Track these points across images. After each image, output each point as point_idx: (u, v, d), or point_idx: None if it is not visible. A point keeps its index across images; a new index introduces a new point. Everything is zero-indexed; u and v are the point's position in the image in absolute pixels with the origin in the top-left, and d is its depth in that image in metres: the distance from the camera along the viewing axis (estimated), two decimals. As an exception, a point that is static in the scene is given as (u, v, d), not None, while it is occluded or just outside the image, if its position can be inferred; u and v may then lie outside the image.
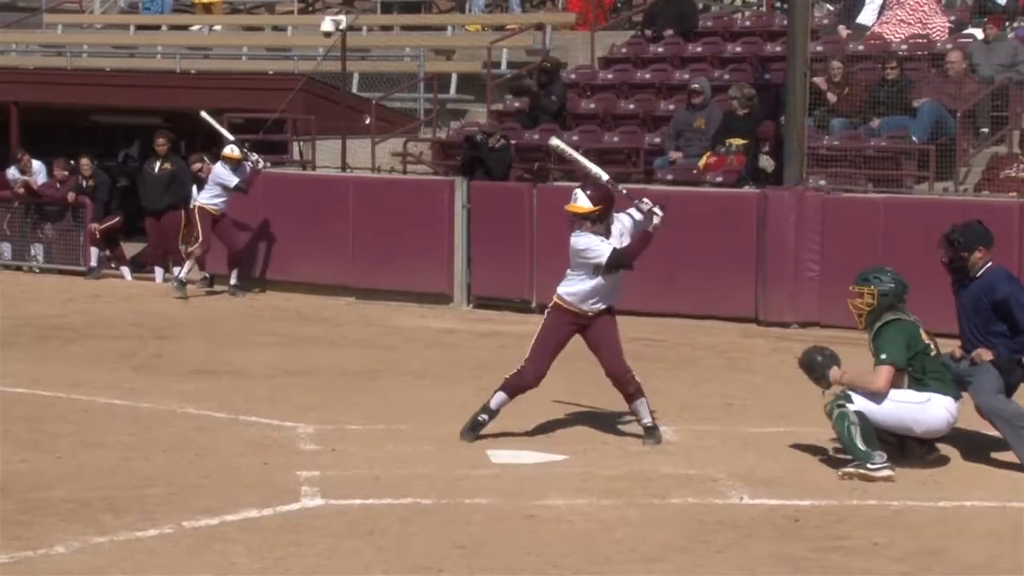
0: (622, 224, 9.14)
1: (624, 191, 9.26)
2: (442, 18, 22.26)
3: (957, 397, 8.61)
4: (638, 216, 9.15)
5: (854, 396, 8.49)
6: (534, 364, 9.20)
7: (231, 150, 16.06)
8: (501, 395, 9.25)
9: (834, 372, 8.61)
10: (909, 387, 8.54)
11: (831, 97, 15.41)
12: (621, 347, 9.28)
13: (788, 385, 10.55)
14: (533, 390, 9.33)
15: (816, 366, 8.69)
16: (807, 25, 14.81)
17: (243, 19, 24.20)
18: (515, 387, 9.25)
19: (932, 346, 8.61)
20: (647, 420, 9.27)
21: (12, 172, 18.64)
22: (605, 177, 9.20)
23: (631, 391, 9.25)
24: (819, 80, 15.21)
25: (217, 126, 16.45)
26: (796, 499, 8.01)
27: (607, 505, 7.87)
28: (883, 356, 8.48)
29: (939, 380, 8.56)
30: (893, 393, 8.50)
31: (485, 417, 9.27)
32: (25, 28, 24.12)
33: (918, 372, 8.53)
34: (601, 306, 9.18)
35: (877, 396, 8.43)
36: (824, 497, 8.07)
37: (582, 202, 8.99)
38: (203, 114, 16.51)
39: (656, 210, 9.04)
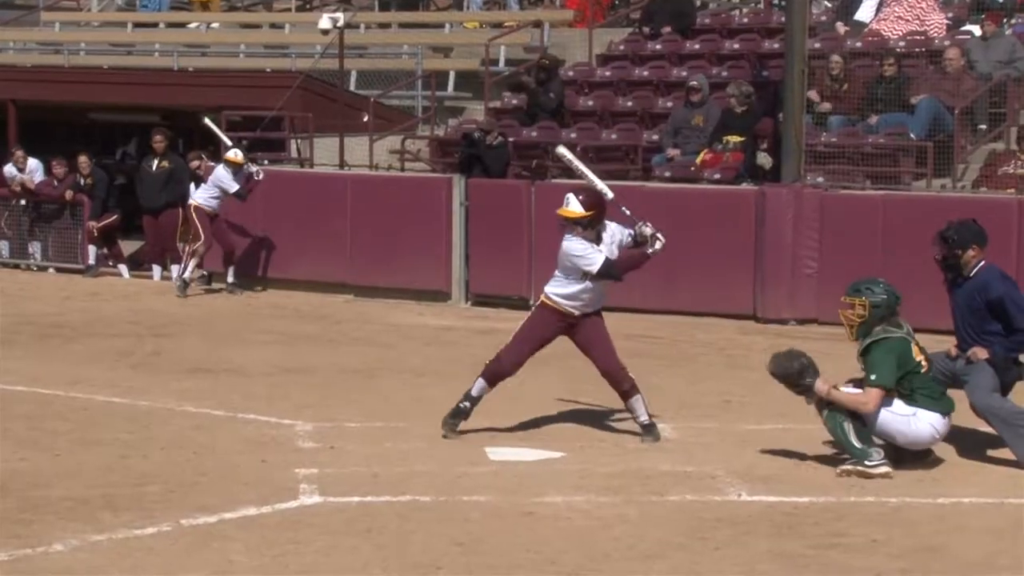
0: (612, 233, 9.12)
1: (627, 211, 9.21)
2: (440, 15, 22.24)
3: (945, 413, 8.53)
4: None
5: None
6: (511, 353, 9.23)
7: (235, 154, 16.04)
8: (481, 382, 9.28)
9: (820, 385, 8.43)
10: (897, 399, 8.48)
11: (825, 106, 15.34)
12: (612, 345, 9.27)
13: (786, 382, 10.54)
14: (533, 389, 9.34)
15: (796, 378, 8.48)
16: (805, 22, 14.81)
17: (241, 16, 24.18)
18: (493, 373, 9.26)
19: (922, 362, 8.51)
20: (644, 418, 9.27)
21: (9, 169, 18.63)
22: (611, 195, 9.13)
23: (626, 388, 9.24)
24: (812, 93, 15.10)
25: (219, 132, 16.41)
26: (794, 496, 8.01)
27: (605, 502, 7.87)
28: (873, 377, 8.41)
29: (928, 396, 8.48)
30: None
31: (467, 404, 9.29)
32: (22, 26, 24.08)
33: (906, 390, 8.47)
34: (588, 309, 9.18)
35: (866, 417, 8.38)
36: (822, 494, 8.07)
37: (574, 206, 8.99)
38: (206, 120, 16.48)
39: (659, 236, 9.02)
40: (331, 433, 9.47)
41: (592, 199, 9.03)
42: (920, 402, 8.47)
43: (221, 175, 16.00)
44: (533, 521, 7.55)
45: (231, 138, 16.42)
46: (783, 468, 8.62)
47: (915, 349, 8.53)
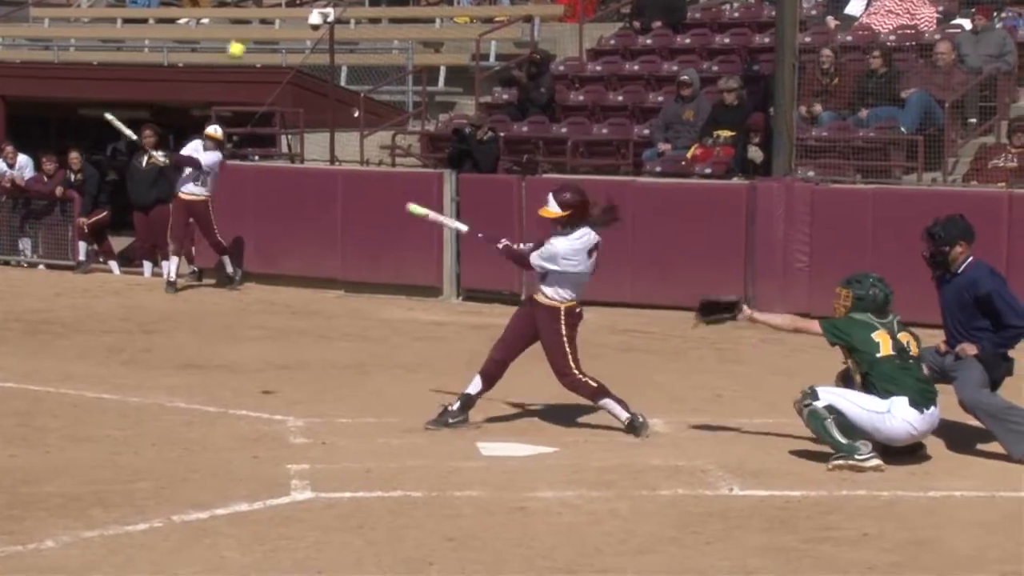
0: (588, 239, 9.17)
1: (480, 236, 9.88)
2: (430, 10, 22.22)
3: (921, 407, 8.43)
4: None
5: (820, 392, 8.48)
6: (495, 347, 9.44)
7: (214, 130, 15.99)
8: (476, 378, 9.39)
9: (746, 311, 8.89)
10: (871, 395, 8.48)
11: (817, 108, 15.26)
12: (563, 351, 9.16)
13: (778, 376, 10.58)
14: (526, 385, 9.36)
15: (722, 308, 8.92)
16: (795, 16, 14.81)
17: (230, 12, 24.14)
18: (483, 368, 9.38)
19: (881, 345, 8.41)
20: (624, 416, 9.23)
21: (-1, 165, 18.59)
22: (465, 228, 9.96)
23: (586, 396, 9.27)
24: (803, 109, 15.02)
25: (122, 128, 16.25)
26: (786, 490, 8.02)
27: (597, 497, 7.87)
28: (821, 321, 8.62)
29: (894, 384, 8.40)
30: (856, 397, 8.48)
31: (457, 404, 9.39)
32: (12, 22, 24.04)
33: (871, 376, 8.45)
34: (537, 284, 9.24)
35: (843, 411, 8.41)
36: (814, 488, 8.08)
37: (551, 207, 9.15)
38: (108, 116, 16.39)
39: (503, 243, 9.55)
40: (322, 429, 9.46)
41: (569, 199, 9.11)
42: (891, 390, 8.36)
43: (190, 146, 15.86)
44: (524, 516, 7.55)
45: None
46: (774, 462, 8.62)
47: (882, 336, 8.46)
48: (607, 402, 9.24)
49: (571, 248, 9.13)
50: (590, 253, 9.17)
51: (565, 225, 9.10)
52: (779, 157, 14.48)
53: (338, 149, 17.61)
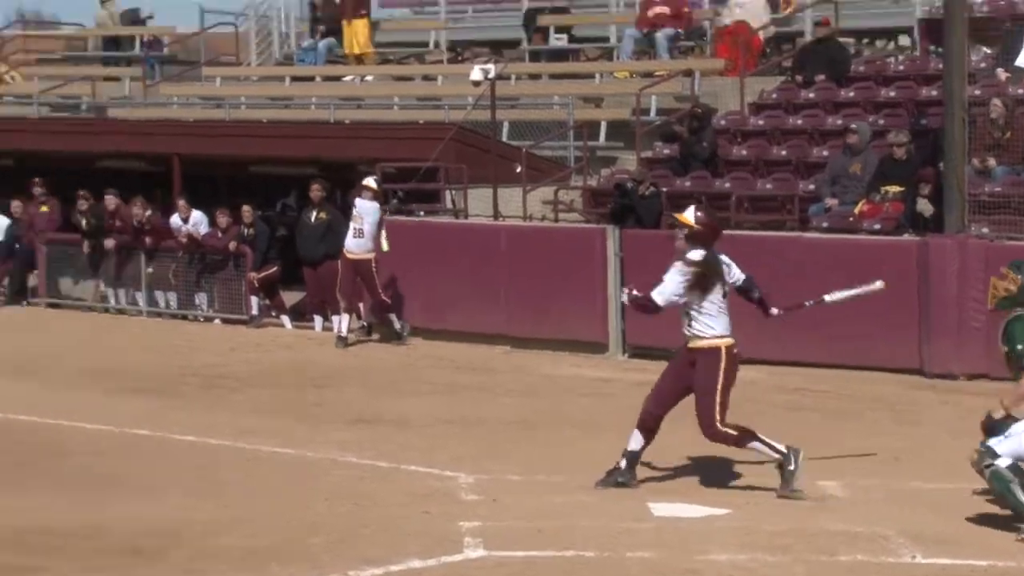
0: (730, 266, 9.21)
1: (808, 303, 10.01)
2: (590, 66, 22.32)
3: None
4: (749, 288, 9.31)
5: (997, 448, 8.20)
6: (650, 399, 9.39)
7: (370, 181, 16.30)
8: (635, 433, 9.33)
9: (999, 411, 8.54)
10: None
11: (991, 162, 14.86)
12: (714, 400, 9.01)
13: (957, 439, 10.24)
14: (697, 443, 9.24)
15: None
16: (964, 68, 14.50)
17: (394, 69, 24.59)
18: (640, 422, 9.30)
19: None
20: (779, 449, 9.07)
21: (174, 220, 19.17)
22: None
23: (732, 445, 9.16)
24: (976, 162, 14.66)
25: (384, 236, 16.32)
26: (971, 559, 7.78)
27: (771, 562, 7.73)
28: (1020, 347, 8.39)
29: None
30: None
31: (624, 463, 9.33)
32: (185, 81, 24.86)
33: None
34: (687, 332, 9.13)
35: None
36: (1001, 558, 7.81)
37: (688, 214, 9.31)
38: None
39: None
40: (492, 485, 9.49)
41: (705, 218, 9.25)
42: None
43: (359, 205, 16.17)
44: (697, 579, 7.46)
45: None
46: (958, 529, 8.37)
47: None
48: (755, 445, 9.13)
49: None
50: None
51: (688, 238, 9.19)
52: (951, 213, 14.15)
53: (501, 204, 17.74)
